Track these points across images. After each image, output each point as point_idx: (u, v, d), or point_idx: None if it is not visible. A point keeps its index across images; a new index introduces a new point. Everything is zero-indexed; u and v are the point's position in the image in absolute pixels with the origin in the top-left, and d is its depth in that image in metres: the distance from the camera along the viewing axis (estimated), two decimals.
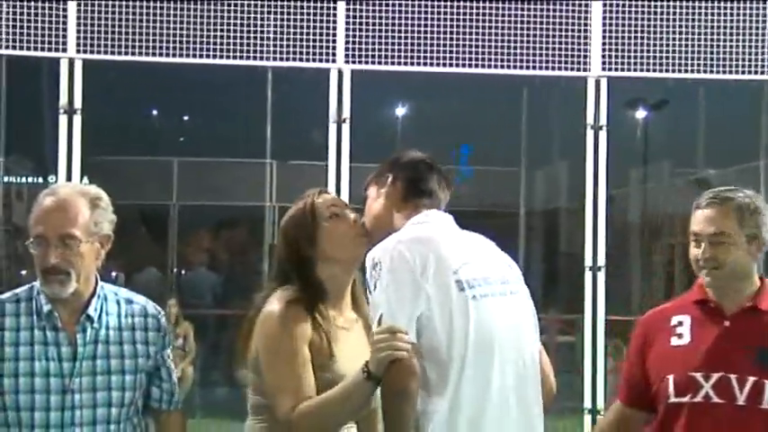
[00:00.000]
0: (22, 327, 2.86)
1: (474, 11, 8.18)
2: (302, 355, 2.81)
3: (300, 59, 8.19)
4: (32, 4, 7.99)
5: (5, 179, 14.85)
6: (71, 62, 8.11)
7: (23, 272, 12.36)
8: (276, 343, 2.83)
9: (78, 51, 8.08)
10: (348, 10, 8.21)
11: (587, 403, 8.27)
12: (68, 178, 7.99)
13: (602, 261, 8.36)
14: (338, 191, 8.28)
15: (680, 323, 3.06)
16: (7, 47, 8.04)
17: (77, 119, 8.11)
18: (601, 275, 8.34)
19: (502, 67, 8.22)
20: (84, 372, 2.84)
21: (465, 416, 2.75)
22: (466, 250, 2.92)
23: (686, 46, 8.28)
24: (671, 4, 8.30)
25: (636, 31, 8.30)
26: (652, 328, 3.16)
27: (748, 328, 2.97)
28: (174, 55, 8.06)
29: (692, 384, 2.94)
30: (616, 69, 8.38)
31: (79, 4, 8.03)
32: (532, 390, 2.92)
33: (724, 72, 8.34)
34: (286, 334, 2.83)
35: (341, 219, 3.02)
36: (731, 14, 8.32)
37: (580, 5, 8.34)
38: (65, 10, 8.03)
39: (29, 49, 8.04)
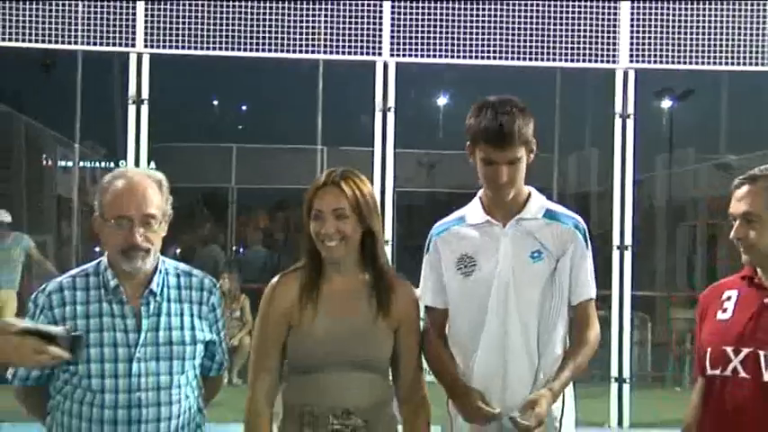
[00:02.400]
0: (92, 300, 2.87)
1: (510, 7, 8.13)
2: (272, 336, 2.95)
3: (349, 53, 8.19)
4: (104, 3, 8.06)
5: (81, 164, 15.06)
6: (139, 56, 8.18)
7: (97, 248, 12.50)
8: (259, 318, 3.01)
9: (146, 46, 8.14)
10: (393, 7, 8.20)
11: (614, 372, 8.23)
12: (137, 163, 8.07)
13: (629, 241, 8.31)
14: (383, 175, 8.31)
15: (728, 298, 2.89)
16: (82, 43, 8.13)
17: (145, 108, 8.18)
18: (628, 254, 8.28)
19: (536, 59, 8.17)
20: (148, 342, 2.86)
21: None
22: None
23: (710, 38, 8.16)
24: None
25: (662, 25, 8.20)
26: (706, 301, 2.99)
27: None
28: (233, 49, 8.09)
29: (723, 358, 2.78)
30: (643, 61, 8.29)
31: (147, 3, 8.08)
32: None
33: (746, 63, 8.23)
34: (266, 311, 2.98)
35: (318, 222, 2.94)
36: (753, 9, 8.20)
37: (609, 1, 8.26)
38: (134, 8, 8.09)
39: (101, 44, 8.12)
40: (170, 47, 8.10)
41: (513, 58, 8.15)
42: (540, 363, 2.99)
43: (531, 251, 3.01)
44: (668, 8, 8.21)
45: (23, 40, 7.94)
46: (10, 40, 7.94)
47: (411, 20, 8.15)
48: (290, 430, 2.89)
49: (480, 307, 3.01)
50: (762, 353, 2.72)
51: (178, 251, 12.79)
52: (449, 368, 3.06)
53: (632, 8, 8.24)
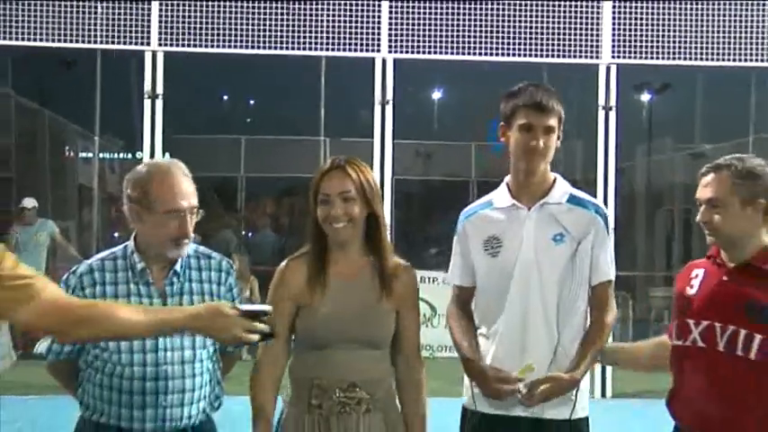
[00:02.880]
0: (120, 281, 2.89)
1: (500, 6, 8.14)
2: (281, 317, 2.85)
3: (349, 50, 8.20)
4: (121, 5, 8.06)
5: (100, 155, 15.08)
6: (154, 54, 8.18)
7: (116, 234, 12.55)
8: (269, 300, 2.95)
9: (160, 45, 8.14)
10: (391, 6, 8.21)
11: None
12: (152, 154, 8.08)
13: (611, 224, 8.31)
14: (382, 164, 8.32)
15: (696, 276, 2.95)
16: (101, 42, 8.13)
17: (159, 103, 8.19)
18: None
19: (524, 55, 8.18)
20: None
21: None
22: None
23: (686, 36, 8.18)
24: None
25: (642, 23, 8.22)
26: (679, 278, 3.05)
27: (743, 283, 2.81)
28: (242, 47, 8.10)
29: (685, 329, 2.85)
30: (624, 57, 8.30)
31: (161, 4, 8.09)
32: None
33: (719, 59, 8.24)
34: (275, 294, 2.94)
35: (325, 206, 2.90)
36: (724, 10, 8.21)
37: (593, 1, 8.27)
38: (149, 10, 8.10)
39: (118, 43, 8.12)
40: (183, 45, 8.10)
41: (502, 55, 8.16)
42: (560, 339, 3.00)
43: (553, 234, 3.03)
44: (647, 7, 8.24)
45: (47, 40, 7.95)
46: (35, 39, 7.95)
47: (408, 18, 8.16)
48: (297, 401, 2.89)
49: (504, 285, 3.02)
50: (717, 325, 2.78)
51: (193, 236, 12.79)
52: (464, 346, 3.07)
53: (614, 7, 8.27)
